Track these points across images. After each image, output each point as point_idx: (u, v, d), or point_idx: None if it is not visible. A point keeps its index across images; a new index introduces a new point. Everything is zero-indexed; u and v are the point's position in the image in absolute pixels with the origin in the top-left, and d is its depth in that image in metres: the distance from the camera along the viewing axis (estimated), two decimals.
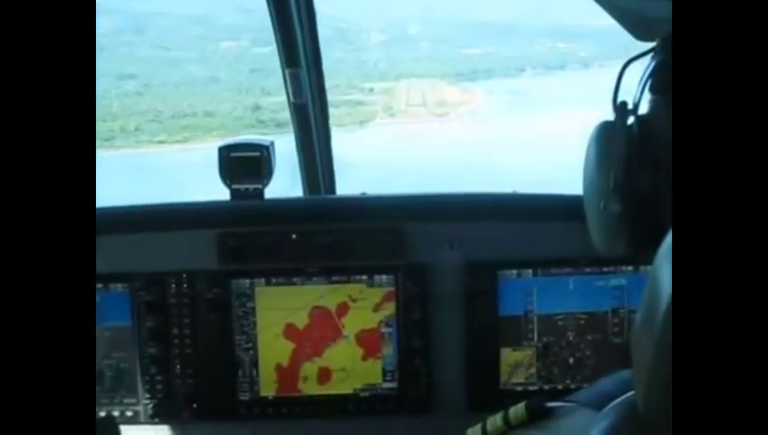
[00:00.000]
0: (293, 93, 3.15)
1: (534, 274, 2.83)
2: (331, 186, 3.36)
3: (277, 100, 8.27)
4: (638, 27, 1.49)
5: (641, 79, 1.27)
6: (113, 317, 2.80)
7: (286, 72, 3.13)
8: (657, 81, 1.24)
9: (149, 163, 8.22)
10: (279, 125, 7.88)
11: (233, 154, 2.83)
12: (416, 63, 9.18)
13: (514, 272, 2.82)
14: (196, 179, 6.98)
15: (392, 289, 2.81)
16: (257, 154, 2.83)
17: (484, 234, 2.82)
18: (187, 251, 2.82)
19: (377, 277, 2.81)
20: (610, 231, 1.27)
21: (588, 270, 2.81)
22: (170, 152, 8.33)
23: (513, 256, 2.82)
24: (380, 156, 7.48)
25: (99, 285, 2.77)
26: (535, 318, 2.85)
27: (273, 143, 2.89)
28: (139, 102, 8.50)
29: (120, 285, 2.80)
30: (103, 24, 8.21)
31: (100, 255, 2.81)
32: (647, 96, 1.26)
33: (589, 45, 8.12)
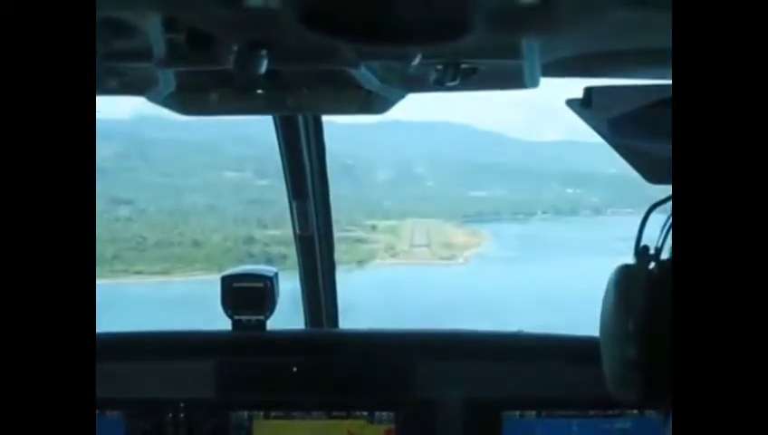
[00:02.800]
0: (300, 226, 3.25)
1: (538, 415, 2.88)
2: (334, 319, 3.42)
3: (272, 233, 8.25)
4: (650, 170, 1.63)
5: (664, 224, 1.38)
6: None
7: (293, 204, 3.24)
8: None
9: (120, 296, 7.98)
10: (269, 261, 7.85)
11: (236, 284, 2.92)
12: (421, 203, 9.33)
13: (517, 413, 2.87)
14: (167, 319, 6.88)
15: (393, 426, 2.85)
16: (260, 285, 2.92)
17: (488, 373, 2.87)
18: (185, 380, 2.86)
19: (377, 414, 2.85)
20: (625, 377, 1.34)
21: (592, 413, 2.87)
22: (147, 285, 8.25)
23: (517, 395, 2.87)
24: (379, 298, 7.35)
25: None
26: None
27: (276, 274, 2.98)
28: (126, 228, 8.60)
29: (116, 412, 2.82)
30: (108, 149, 8.45)
31: (98, 381, 2.90)
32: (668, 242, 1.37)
33: (600, 192, 8.32)
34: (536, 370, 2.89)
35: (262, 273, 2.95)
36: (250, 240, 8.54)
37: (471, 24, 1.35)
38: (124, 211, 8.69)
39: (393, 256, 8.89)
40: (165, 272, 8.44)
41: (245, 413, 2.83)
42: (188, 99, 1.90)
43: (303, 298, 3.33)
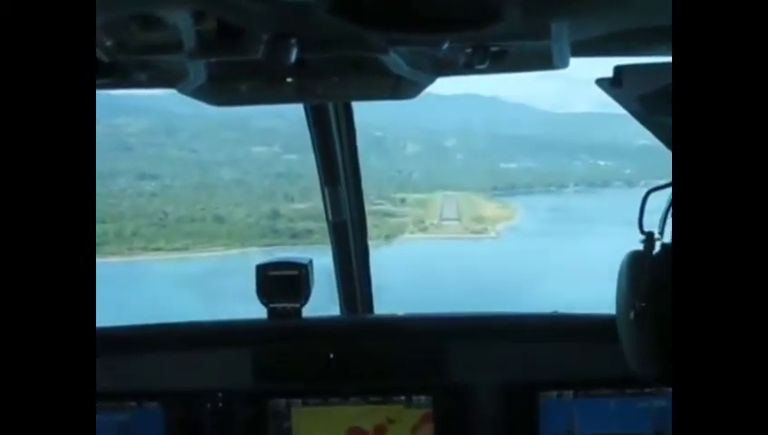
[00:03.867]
0: (332, 212, 3.28)
1: (575, 395, 2.90)
2: (369, 304, 3.45)
3: (299, 207, 8.26)
4: None
5: (665, 210, 1.45)
6: None
7: (326, 190, 3.26)
8: None
9: (135, 274, 8.03)
10: (294, 236, 8.06)
11: (271, 273, 2.95)
12: (451, 176, 9.36)
13: (555, 393, 2.90)
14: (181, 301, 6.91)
15: (430, 410, 2.88)
16: (295, 273, 2.94)
17: (525, 354, 2.90)
18: (222, 369, 2.91)
19: (415, 398, 2.88)
20: (641, 351, 1.45)
21: (629, 391, 2.90)
22: (165, 262, 8.21)
23: (554, 376, 2.90)
24: (408, 279, 7.35)
25: (132, 404, 2.85)
26: None
27: (311, 262, 3.00)
28: (149, 204, 8.63)
29: (154, 403, 2.87)
30: (135, 124, 8.51)
31: (135, 373, 2.94)
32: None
33: (632, 164, 8.28)
34: (572, 350, 2.90)
35: (297, 261, 2.98)
36: (275, 215, 8.55)
37: (502, 10, 1.38)
38: (148, 187, 8.73)
39: (422, 229, 8.86)
40: (185, 248, 8.41)
41: (284, 401, 2.87)
42: (219, 90, 1.91)
43: (338, 283, 3.36)
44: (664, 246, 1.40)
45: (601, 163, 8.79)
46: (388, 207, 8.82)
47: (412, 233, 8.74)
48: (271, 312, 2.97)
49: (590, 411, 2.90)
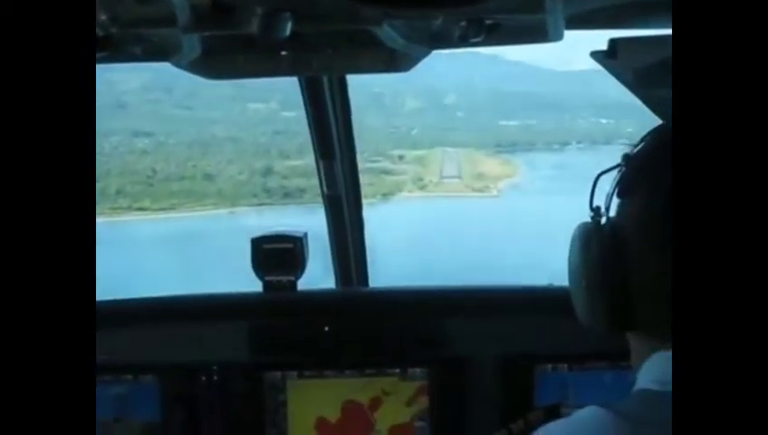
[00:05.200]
0: (327, 185, 3.29)
1: (570, 368, 2.93)
2: (364, 277, 3.47)
3: (294, 163, 8.23)
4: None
5: (611, 190, 1.52)
6: (142, 410, 2.90)
7: (320, 163, 3.27)
8: (622, 188, 1.49)
9: (115, 236, 7.67)
10: (287, 195, 8.02)
11: (265, 246, 2.97)
12: (451, 132, 9.35)
13: (549, 366, 2.92)
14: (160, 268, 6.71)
15: (425, 383, 2.91)
16: (290, 246, 2.97)
17: (520, 327, 2.92)
18: (218, 343, 2.93)
19: (410, 370, 2.90)
20: (595, 315, 1.61)
21: (623, 364, 2.91)
22: (148, 222, 8.08)
23: (549, 349, 2.92)
24: (404, 243, 7.26)
25: (128, 377, 2.89)
26: (571, 413, 2.93)
27: (306, 235, 3.02)
28: (138, 162, 8.61)
29: (149, 376, 2.90)
30: (131, 81, 8.46)
31: (131, 346, 2.98)
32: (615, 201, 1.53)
33: (634, 121, 8.25)
34: (567, 323, 2.91)
35: (292, 234, 3.00)
36: (268, 172, 8.54)
37: None
38: (141, 144, 8.72)
39: (421, 187, 8.81)
40: (171, 208, 8.34)
41: (279, 374, 2.90)
42: (214, 63, 1.91)
43: (333, 256, 3.38)
44: (609, 219, 1.51)
45: (603, 121, 8.76)
46: (385, 164, 8.79)
47: (410, 191, 8.69)
48: (266, 285, 2.99)
49: (585, 384, 2.93)
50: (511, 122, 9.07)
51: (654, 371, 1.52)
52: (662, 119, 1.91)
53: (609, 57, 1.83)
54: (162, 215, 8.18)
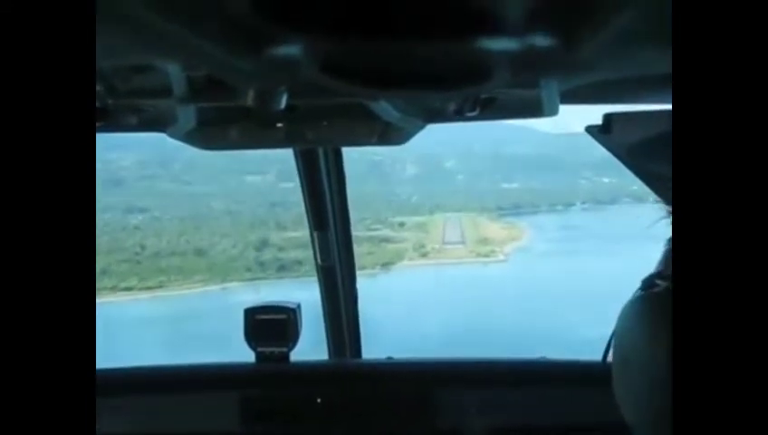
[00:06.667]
0: (321, 256, 3.30)
1: None
2: (357, 349, 3.47)
3: (291, 235, 8.15)
4: (668, 192, 1.65)
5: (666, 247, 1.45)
6: None
7: (315, 234, 3.29)
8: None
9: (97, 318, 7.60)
10: (282, 268, 7.98)
11: (258, 316, 2.98)
12: (452, 197, 9.36)
13: None
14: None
15: None
16: (284, 317, 2.98)
17: (511, 400, 2.92)
18: (209, 413, 2.93)
19: None
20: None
21: None
22: (133, 303, 7.96)
23: (541, 422, 2.90)
24: (408, 309, 7.24)
25: None
26: None
27: (299, 305, 3.03)
28: (129, 238, 8.57)
29: None
30: (128, 157, 8.52)
31: (121, 415, 2.98)
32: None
33: (637, 180, 8.26)
34: (558, 396, 2.91)
35: (285, 305, 3.00)
36: (263, 245, 8.53)
37: (492, 71, 1.38)
38: (134, 220, 8.70)
39: (423, 255, 8.71)
40: (159, 286, 8.23)
41: None
42: (209, 134, 1.93)
43: (326, 327, 3.38)
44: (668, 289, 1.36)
45: (605, 180, 8.80)
46: (386, 232, 8.76)
47: (412, 259, 8.60)
48: (259, 356, 2.99)
49: None
50: (512, 185, 9.09)
51: None
52: (656, 193, 1.89)
53: (604, 132, 1.82)
54: (149, 294, 8.08)
